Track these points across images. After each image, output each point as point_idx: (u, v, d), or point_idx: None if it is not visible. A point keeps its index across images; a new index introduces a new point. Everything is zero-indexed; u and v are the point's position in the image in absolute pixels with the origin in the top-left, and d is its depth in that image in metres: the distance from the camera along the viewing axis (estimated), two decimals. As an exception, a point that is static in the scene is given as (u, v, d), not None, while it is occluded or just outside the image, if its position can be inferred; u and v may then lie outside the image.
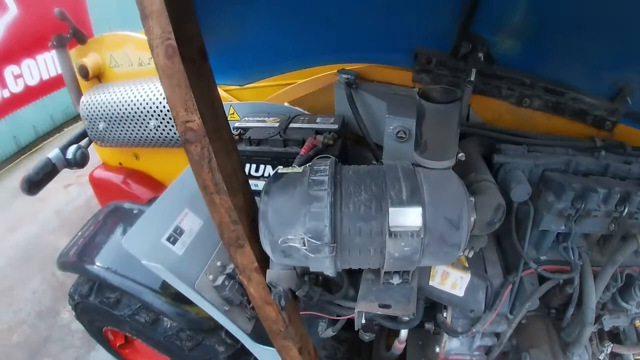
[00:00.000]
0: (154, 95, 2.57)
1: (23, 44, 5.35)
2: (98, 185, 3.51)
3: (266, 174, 1.81)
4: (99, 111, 2.80)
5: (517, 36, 1.71)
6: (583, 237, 1.75)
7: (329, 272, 1.22)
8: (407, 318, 1.59)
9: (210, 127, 1.09)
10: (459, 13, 1.64)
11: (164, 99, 2.48)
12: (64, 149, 2.92)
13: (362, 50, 1.93)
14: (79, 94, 3.03)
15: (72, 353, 3.80)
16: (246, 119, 2.02)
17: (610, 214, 1.56)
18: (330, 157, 1.29)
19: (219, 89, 2.12)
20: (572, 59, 1.73)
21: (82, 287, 2.44)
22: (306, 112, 2.08)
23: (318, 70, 2.09)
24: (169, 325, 2.27)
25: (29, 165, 4.24)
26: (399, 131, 1.54)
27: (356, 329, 1.46)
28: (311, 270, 1.25)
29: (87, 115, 2.88)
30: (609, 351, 1.93)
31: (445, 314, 1.74)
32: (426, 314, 1.74)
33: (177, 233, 1.62)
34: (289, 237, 1.15)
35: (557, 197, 1.54)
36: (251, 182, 1.71)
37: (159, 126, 2.61)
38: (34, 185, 2.84)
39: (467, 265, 1.66)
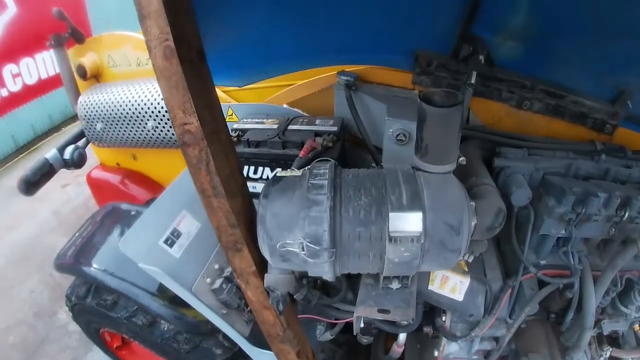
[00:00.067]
0: (152, 95, 2.55)
1: (22, 43, 5.34)
2: (95, 185, 3.50)
3: (264, 176, 1.79)
4: (97, 111, 2.78)
5: (517, 39, 1.71)
6: (583, 241, 1.74)
7: (328, 277, 1.20)
8: (405, 322, 1.58)
9: (209, 130, 1.08)
10: (460, 15, 1.64)
11: (162, 99, 2.47)
12: (61, 149, 2.91)
13: (362, 51, 1.93)
14: (76, 93, 3.02)
15: (69, 354, 3.78)
16: (245, 120, 2.01)
17: (611, 219, 1.56)
18: (329, 160, 1.28)
19: (217, 90, 2.12)
20: (572, 61, 1.73)
21: (79, 288, 2.43)
22: (305, 113, 2.07)
23: (318, 72, 2.08)
24: (166, 328, 2.26)
25: (27, 164, 4.23)
26: (398, 134, 1.52)
27: (355, 333, 1.45)
28: (310, 275, 1.24)
29: (85, 116, 2.86)
30: (607, 355, 1.93)
31: (444, 318, 1.74)
32: (425, 318, 1.74)
33: (175, 236, 1.61)
34: (288, 241, 1.14)
35: (557, 201, 1.53)
36: (249, 184, 1.71)
37: (156, 127, 2.59)
38: (31, 185, 2.82)
39: (466, 269, 1.65)
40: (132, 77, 2.79)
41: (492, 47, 1.74)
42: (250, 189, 1.46)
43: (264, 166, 1.80)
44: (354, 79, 1.91)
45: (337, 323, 1.77)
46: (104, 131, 2.84)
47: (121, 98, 2.67)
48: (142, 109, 2.60)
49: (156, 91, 2.55)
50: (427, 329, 1.80)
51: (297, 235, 1.13)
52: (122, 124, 2.72)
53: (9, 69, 5.49)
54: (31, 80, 5.96)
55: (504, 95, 1.85)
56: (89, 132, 2.93)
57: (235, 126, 1.93)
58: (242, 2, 1.48)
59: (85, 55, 2.96)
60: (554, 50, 1.69)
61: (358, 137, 1.91)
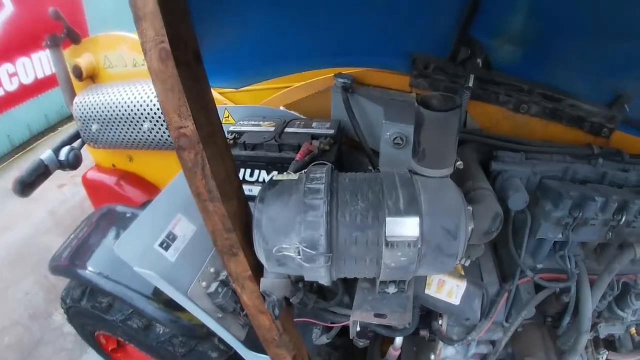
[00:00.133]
0: (148, 97, 2.54)
1: (18, 42, 5.33)
2: (91, 186, 3.47)
3: (261, 179, 1.78)
4: (92, 112, 2.77)
5: (515, 42, 1.71)
6: (580, 245, 1.74)
7: (324, 281, 1.20)
8: (402, 326, 1.58)
9: (204, 133, 1.07)
10: (458, 18, 1.63)
11: (158, 101, 2.46)
12: (56, 150, 2.89)
13: (359, 54, 1.92)
14: (72, 94, 3.00)
15: (64, 356, 3.76)
16: (241, 122, 2.00)
17: (608, 223, 1.56)
18: (326, 164, 1.27)
19: (213, 91, 2.10)
20: (570, 65, 1.73)
21: (74, 291, 2.42)
22: (302, 116, 2.06)
23: (315, 74, 2.07)
24: (161, 331, 2.24)
25: (23, 165, 4.22)
26: (395, 137, 1.52)
27: (351, 337, 1.45)
28: (306, 279, 1.23)
29: (80, 116, 2.85)
30: (604, 358, 1.93)
31: (440, 322, 1.73)
32: (421, 321, 1.74)
33: (170, 239, 1.60)
34: (284, 246, 1.13)
35: (554, 205, 1.53)
36: (245, 187, 1.70)
37: (152, 128, 2.58)
38: (26, 186, 2.80)
39: (463, 273, 1.65)
40: (128, 78, 2.78)
41: (490, 50, 1.74)
42: (247, 192, 1.46)
43: (260, 169, 1.79)
44: (351, 82, 1.91)
45: (333, 327, 1.76)
46: (99, 132, 2.82)
47: (117, 99, 2.66)
48: (138, 110, 2.58)
49: (152, 92, 2.53)
50: (424, 333, 1.80)
51: (293, 239, 1.12)
52: (118, 125, 2.70)
53: (5, 68, 5.48)
54: (27, 80, 5.94)
55: (501, 99, 1.85)
56: (85, 133, 2.92)
57: (231, 128, 1.92)
58: (239, 3, 1.47)
59: (81, 56, 2.94)
60: (552, 54, 1.68)
61: (355, 140, 1.90)
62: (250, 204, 1.29)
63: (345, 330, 1.54)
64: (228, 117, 2.15)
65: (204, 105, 1.09)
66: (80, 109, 2.84)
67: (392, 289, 1.30)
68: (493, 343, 1.83)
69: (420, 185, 1.19)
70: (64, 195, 5.58)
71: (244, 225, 1.26)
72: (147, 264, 1.53)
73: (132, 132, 2.68)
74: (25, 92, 6.06)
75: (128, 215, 2.52)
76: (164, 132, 2.56)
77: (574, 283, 1.61)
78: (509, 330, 1.70)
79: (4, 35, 5.03)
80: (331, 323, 1.63)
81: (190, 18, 1.03)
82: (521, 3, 1.56)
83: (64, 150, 2.88)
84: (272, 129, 1.89)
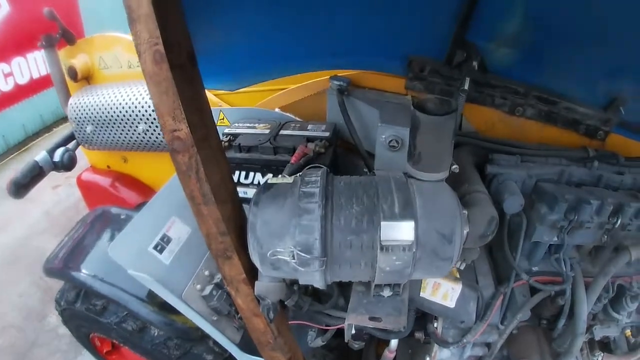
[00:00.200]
0: (143, 98, 2.53)
1: (14, 42, 5.29)
2: (86, 188, 3.46)
3: (256, 182, 1.78)
4: (87, 113, 2.76)
5: (511, 45, 1.71)
6: (575, 248, 1.74)
7: (319, 285, 1.20)
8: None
9: (199, 136, 1.07)
10: (454, 21, 1.63)
11: (152, 103, 2.45)
12: (51, 152, 2.88)
13: (355, 56, 1.92)
14: (67, 95, 2.99)
15: (58, 358, 3.75)
16: (236, 125, 1.99)
17: (603, 226, 1.56)
18: (321, 167, 1.27)
19: (209, 93, 2.10)
20: (565, 68, 1.73)
21: (69, 293, 2.41)
22: (297, 118, 2.06)
23: (310, 76, 2.07)
24: (156, 334, 2.24)
25: (18, 165, 4.20)
26: (391, 140, 1.51)
27: (346, 340, 1.44)
28: (300, 283, 1.22)
29: (75, 118, 2.83)
30: (599, 360, 1.93)
31: (435, 324, 1.73)
32: (417, 323, 1.73)
33: (165, 241, 1.59)
34: (278, 249, 1.13)
35: (550, 208, 1.53)
36: (240, 189, 1.70)
37: (147, 130, 2.57)
38: (21, 188, 2.80)
39: (458, 276, 1.64)
40: (123, 79, 2.77)
41: (486, 53, 1.74)
42: (242, 194, 1.45)
43: (255, 171, 1.79)
44: (347, 84, 1.90)
45: (328, 329, 1.75)
46: (94, 134, 2.81)
47: (112, 100, 2.65)
48: (132, 111, 2.57)
49: (147, 94, 2.52)
50: (419, 335, 1.79)
51: (288, 243, 1.12)
52: (113, 127, 2.69)
53: (1, 68, 5.44)
54: (23, 80, 5.91)
55: (497, 102, 1.85)
56: (79, 134, 2.91)
57: (226, 131, 1.92)
58: (235, 5, 1.47)
59: (76, 57, 2.93)
60: (547, 57, 1.69)
61: (351, 143, 1.90)
62: (245, 206, 1.28)
63: (340, 332, 1.54)
64: (223, 119, 2.15)
65: (198, 108, 1.09)
66: (75, 110, 2.83)
67: (387, 292, 1.30)
68: (488, 345, 1.83)
69: (416, 189, 1.19)
70: (59, 196, 5.56)
71: (239, 229, 1.25)
72: (141, 267, 1.53)
73: (127, 134, 2.67)
74: (21, 92, 6.02)
75: (122, 217, 2.52)
76: (159, 134, 2.55)
77: (569, 286, 1.60)
78: (504, 332, 1.70)
79: (0, 35, 5.00)
80: (326, 326, 1.62)
81: (184, 20, 1.02)
82: (517, 7, 1.56)
83: (59, 152, 2.88)
84: (267, 131, 1.88)
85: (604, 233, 1.59)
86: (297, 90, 2.13)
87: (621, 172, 1.71)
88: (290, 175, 1.30)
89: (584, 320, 1.59)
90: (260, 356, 1.60)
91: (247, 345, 1.77)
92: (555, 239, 1.57)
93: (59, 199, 5.53)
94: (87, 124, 2.79)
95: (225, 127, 1.99)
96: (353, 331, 1.35)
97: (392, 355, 1.88)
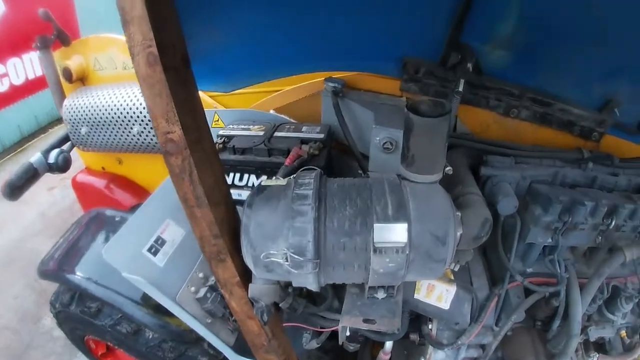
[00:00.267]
0: (138, 100, 2.53)
1: (10, 43, 5.27)
2: (81, 190, 3.45)
3: (250, 184, 1.77)
4: (82, 115, 2.75)
5: (506, 47, 1.71)
6: (569, 249, 1.74)
7: (313, 287, 1.19)
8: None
9: (192, 138, 1.06)
10: (449, 23, 1.63)
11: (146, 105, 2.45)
12: (46, 153, 2.88)
13: (350, 58, 1.92)
14: (62, 96, 2.98)
15: (53, 360, 3.74)
16: (231, 126, 1.99)
17: (597, 227, 1.56)
18: (315, 170, 1.27)
19: (204, 95, 2.10)
20: (560, 70, 1.73)
21: (63, 295, 2.40)
22: (292, 120, 2.06)
23: (305, 78, 2.06)
24: (150, 336, 2.23)
25: (13, 167, 4.18)
26: (385, 142, 1.51)
27: (340, 343, 1.44)
28: (294, 285, 1.22)
29: (70, 119, 2.83)
30: (594, 361, 1.93)
31: (430, 326, 1.73)
32: (411, 325, 1.73)
33: (159, 244, 1.59)
34: (272, 252, 1.12)
35: (544, 210, 1.53)
36: (235, 191, 1.69)
37: (142, 132, 2.57)
38: (15, 190, 2.80)
39: (452, 278, 1.64)
40: (118, 80, 2.76)
41: (481, 55, 1.74)
42: (236, 196, 1.44)
43: (249, 173, 1.78)
44: (341, 86, 1.90)
45: (323, 331, 1.75)
46: (89, 135, 2.81)
47: (107, 102, 2.64)
48: (127, 113, 2.57)
49: (142, 95, 2.51)
50: (414, 337, 1.79)
51: (281, 245, 1.12)
52: (108, 129, 2.69)
53: (-4, 69, 5.43)
54: (18, 81, 5.88)
55: (491, 103, 1.85)
56: (74, 136, 2.90)
57: (221, 132, 1.91)
58: (229, 7, 1.47)
59: (71, 58, 2.92)
60: (542, 59, 1.69)
61: (345, 145, 1.90)
62: (239, 208, 1.28)
63: (335, 334, 1.53)
64: (218, 120, 2.15)
65: (191, 110, 1.09)
66: (69, 112, 2.82)
67: (381, 294, 1.30)
68: (483, 347, 1.83)
69: (409, 191, 1.19)
70: (54, 197, 5.54)
71: (232, 231, 1.25)
72: (135, 270, 1.52)
73: (121, 135, 2.67)
74: (16, 93, 5.99)
75: (117, 219, 2.51)
76: (154, 136, 2.54)
77: (564, 287, 1.61)
78: (498, 334, 1.70)
79: (-4, 35, 4.99)
80: (321, 328, 1.62)
81: (178, 21, 1.02)
82: (512, 9, 1.56)
83: (53, 153, 2.87)
84: (262, 133, 1.88)
85: (598, 234, 1.59)
86: (292, 92, 2.13)
87: (616, 173, 1.71)
88: (284, 177, 1.29)
89: (579, 321, 1.59)
90: (255, 359, 1.59)
91: (241, 347, 1.76)
92: (550, 240, 1.57)
93: (54, 200, 5.51)
94: (82, 126, 2.79)
95: (219, 128, 1.99)
96: (348, 333, 1.35)
97: (387, 357, 1.88)
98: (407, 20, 1.66)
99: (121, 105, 2.58)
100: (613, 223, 1.53)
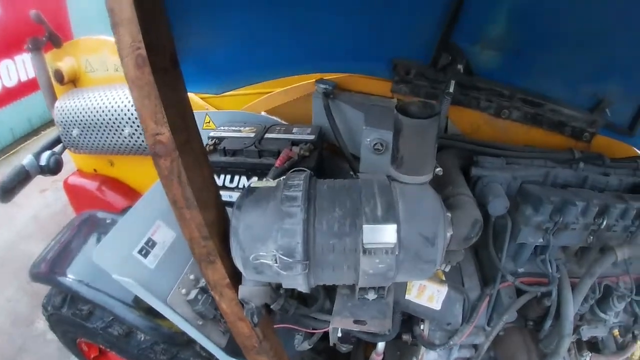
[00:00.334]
0: (129, 102, 2.52)
1: (2, 45, 5.26)
2: (72, 192, 3.43)
3: (241, 185, 1.77)
4: (73, 117, 2.74)
5: (497, 48, 1.72)
6: (561, 249, 1.75)
7: (303, 288, 1.19)
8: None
9: (181, 140, 1.06)
10: (439, 24, 1.64)
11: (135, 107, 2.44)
12: (37, 155, 2.86)
13: (341, 59, 1.92)
14: (53, 98, 2.97)
15: (46, 363, 3.72)
16: (222, 128, 1.99)
17: (589, 227, 1.57)
18: (305, 171, 1.27)
19: (195, 96, 2.09)
20: (551, 71, 1.74)
21: (55, 298, 2.39)
22: (283, 121, 2.05)
23: (296, 80, 2.06)
24: (142, 339, 2.22)
25: (6, 169, 4.15)
26: (376, 143, 1.51)
27: (331, 344, 1.44)
28: (284, 286, 1.22)
29: (61, 121, 2.82)
30: (587, 360, 1.93)
31: (422, 327, 1.73)
32: (403, 326, 1.73)
33: (149, 246, 1.58)
34: (261, 253, 1.12)
35: (535, 210, 1.53)
36: (225, 193, 1.69)
37: (133, 134, 2.56)
38: (7, 192, 2.78)
39: (443, 278, 1.65)
40: (109, 82, 2.75)
41: (471, 56, 1.74)
42: (227, 198, 1.43)
43: (240, 175, 1.78)
44: (332, 87, 1.91)
45: (315, 332, 1.75)
46: (80, 137, 2.79)
47: (98, 104, 2.63)
48: (119, 115, 2.56)
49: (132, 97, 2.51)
50: (406, 337, 1.79)
51: (270, 247, 1.12)
52: (99, 131, 2.68)
53: (-10, 71, 5.42)
54: (11, 83, 5.87)
55: (482, 104, 1.85)
56: (66, 138, 2.89)
57: (212, 134, 1.91)
58: (220, 8, 1.47)
59: (62, 60, 2.91)
60: (533, 60, 1.70)
61: (336, 146, 1.90)
62: (229, 210, 1.28)
63: (328, 335, 1.53)
64: (209, 122, 2.14)
65: (180, 112, 1.08)
66: (61, 114, 2.81)
67: (371, 295, 1.30)
68: (475, 347, 1.83)
69: (399, 192, 1.19)
70: (47, 200, 5.51)
71: (222, 233, 1.25)
72: (126, 272, 1.51)
73: (113, 138, 2.66)
74: (9, 96, 5.98)
75: (108, 221, 2.50)
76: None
77: (556, 287, 1.61)
78: (490, 334, 1.70)
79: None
80: (313, 329, 1.62)
81: (168, 23, 1.02)
82: (502, 9, 1.57)
83: (45, 156, 2.85)
84: (253, 134, 1.88)
85: (589, 234, 1.59)
86: (283, 94, 2.12)
87: (607, 173, 1.71)
88: (274, 178, 1.30)
89: (571, 321, 1.59)
90: (247, 360, 1.59)
91: (233, 349, 1.76)
92: (541, 240, 1.57)
93: (46, 202, 5.48)
94: (74, 128, 2.78)
95: (211, 130, 1.99)
96: (339, 334, 1.35)
97: (380, 357, 1.88)
98: (398, 21, 1.66)
99: (112, 107, 2.57)
100: (604, 223, 1.53)
